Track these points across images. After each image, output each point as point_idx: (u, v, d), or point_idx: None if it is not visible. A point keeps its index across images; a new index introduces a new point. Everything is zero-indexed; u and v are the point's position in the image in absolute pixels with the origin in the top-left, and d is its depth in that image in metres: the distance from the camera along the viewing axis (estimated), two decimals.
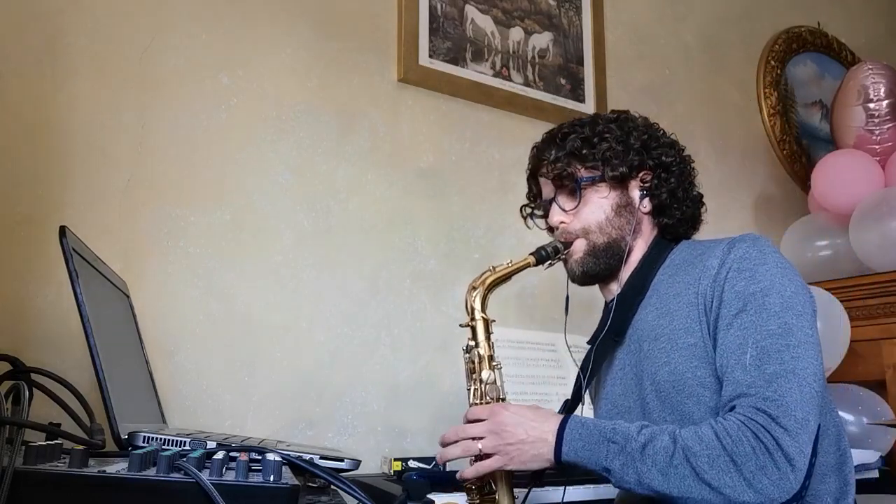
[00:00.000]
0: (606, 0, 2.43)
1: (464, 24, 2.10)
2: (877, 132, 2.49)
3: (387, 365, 1.83)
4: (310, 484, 1.01)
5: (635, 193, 1.28)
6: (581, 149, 1.26)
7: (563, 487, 1.34)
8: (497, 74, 2.13)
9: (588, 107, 2.29)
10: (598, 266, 1.27)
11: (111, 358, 1.02)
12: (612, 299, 1.30)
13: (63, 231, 0.97)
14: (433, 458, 1.66)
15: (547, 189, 1.33)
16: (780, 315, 1.05)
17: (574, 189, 1.27)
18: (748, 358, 1.03)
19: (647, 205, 1.28)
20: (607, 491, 1.41)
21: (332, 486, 0.97)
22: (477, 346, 1.21)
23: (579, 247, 1.27)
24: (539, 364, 1.89)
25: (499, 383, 1.19)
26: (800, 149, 2.93)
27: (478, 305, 1.22)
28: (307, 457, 0.98)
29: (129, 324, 1.35)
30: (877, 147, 2.48)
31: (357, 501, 0.82)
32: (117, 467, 0.71)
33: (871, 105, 2.50)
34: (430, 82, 2.01)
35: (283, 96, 1.79)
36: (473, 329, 1.22)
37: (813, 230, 2.54)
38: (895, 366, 2.28)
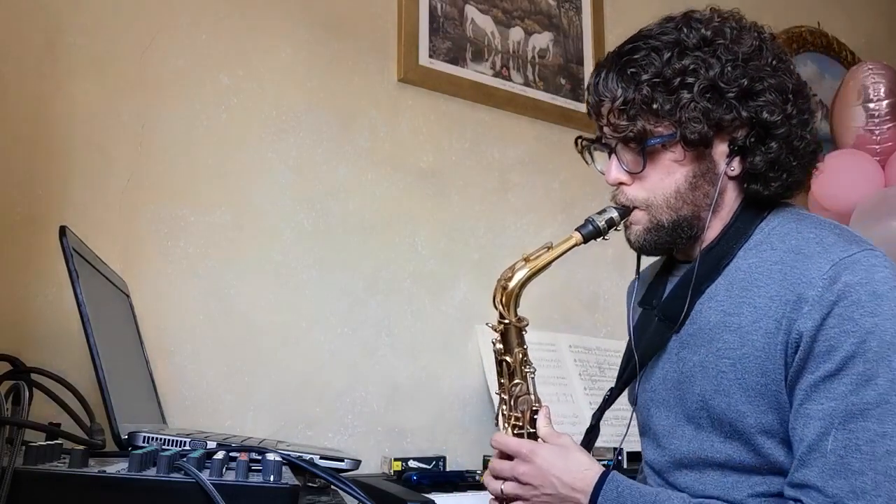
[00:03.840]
0: (606, 0, 2.43)
1: (464, 24, 2.10)
2: (877, 132, 2.49)
3: (387, 365, 1.83)
4: (310, 484, 1.01)
5: (720, 151, 0.98)
6: (652, 100, 0.95)
7: None
8: (497, 74, 2.13)
9: None
10: (660, 244, 1.03)
11: (111, 358, 1.02)
12: (679, 267, 1.09)
13: (63, 231, 0.98)
14: (433, 458, 1.67)
15: (608, 131, 1.04)
16: (881, 391, 0.84)
17: (639, 150, 0.99)
18: (831, 442, 0.84)
19: (735, 167, 0.98)
20: None
21: (332, 486, 0.97)
22: (506, 353, 1.08)
23: (639, 218, 1.03)
24: (539, 364, 1.88)
25: (531, 391, 1.07)
26: None
27: (508, 308, 1.06)
28: (307, 457, 0.98)
29: (129, 324, 1.35)
30: (877, 147, 2.48)
31: (357, 501, 0.82)
32: (117, 467, 0.71)
33: (871, 105, 2.50)
34: (430, 82, 2.01)
35: (283, 96, 1.79)
36: (503, 335, 1.08)
37: None
38: None
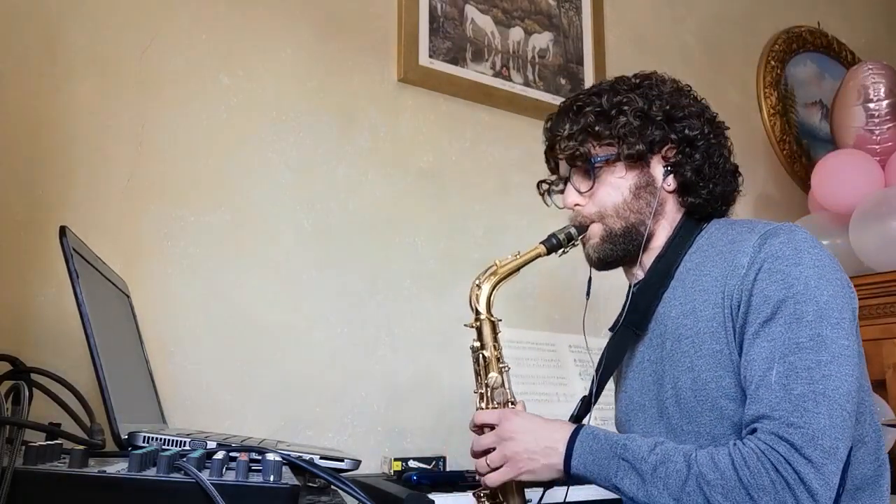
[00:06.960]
0: (606, 0, 2.43)
1: (464, 24, 2.10)
2: (877, 132, 2.49)
3: (387, 365, 1.83)
4: (310, 484, 1.01)
5: (658, 171, 1.17)
6: (595, 124, 1.15)
7: (565, 487, 1.34)
8: (497, 74, 2.13)
9: None
10: (616, 252, 1.17)
11: (111, 358, 1.02)
12: (636, 284, 1.21)
13: (63, 231, 0.97)
14: (433, 458, 1.67)
15: (563, 166, 1.23)
16: (813, 325, 0.95)
17: (588, 169, 1.17)
18: (774, 375, 0.94)
19: (671, 183, 1.16)
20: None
21: (332, 486, 0.97)
22: (483, 347, 1.17)
23: (595, 231, 1.18)
24: (539, 364, 1.89)
25: (507, 386, 1.16)
26: (800, 149, 2.93)
27: (483, 305, 1.17)
28: (307, 457, 0.98)
29: (129, 324, 1.34)
30: (877, 147, 2.48)
31: (357, 501, 0.82)
32: (117, 467, 0.71)
33: (871, 105, 2.50)
34: (430, 82, 2.01)
35: (283, 96, 1.79)
36: (479, 330, 1.18)
37: (813, 230, 2.50)
38: (895, 366, 2.28)
